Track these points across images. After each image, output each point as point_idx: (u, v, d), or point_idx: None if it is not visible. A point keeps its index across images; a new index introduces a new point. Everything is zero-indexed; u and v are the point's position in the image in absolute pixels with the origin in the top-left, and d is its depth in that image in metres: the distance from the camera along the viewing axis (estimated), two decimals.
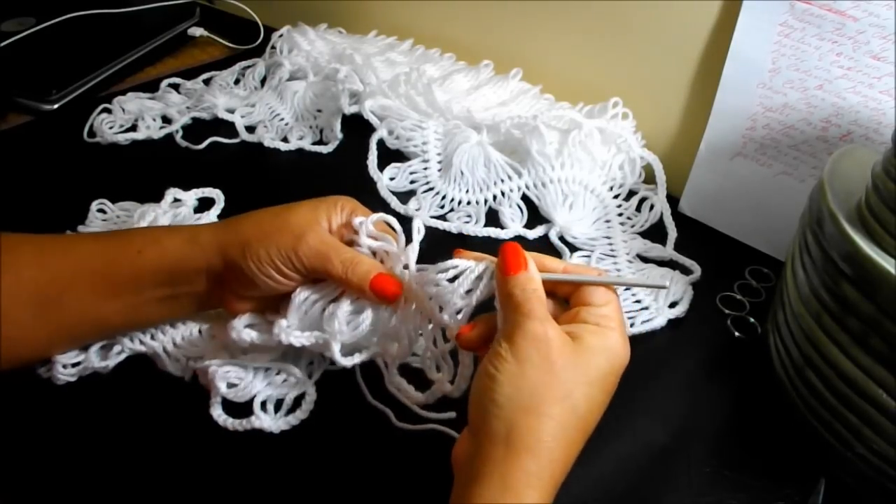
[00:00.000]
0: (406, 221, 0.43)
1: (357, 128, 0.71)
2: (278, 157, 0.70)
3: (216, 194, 0.62)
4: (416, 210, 0.63)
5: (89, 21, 0.83)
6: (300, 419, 0.44)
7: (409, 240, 0.42)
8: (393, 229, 0.44)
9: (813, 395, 0.42)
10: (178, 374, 0.46)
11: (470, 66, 0.77)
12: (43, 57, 0.78)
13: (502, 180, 0.64)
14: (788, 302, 0.45)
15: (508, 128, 0.65)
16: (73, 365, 0.45)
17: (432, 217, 0.63)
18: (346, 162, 0.69)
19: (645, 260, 0.60)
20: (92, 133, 0.70)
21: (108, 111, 0.72)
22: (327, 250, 0.41)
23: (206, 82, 0.80)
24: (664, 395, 0.48)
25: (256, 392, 0.44)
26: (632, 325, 0.52)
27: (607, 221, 0.63)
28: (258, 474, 0.41)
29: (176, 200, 0.59)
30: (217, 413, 0.43)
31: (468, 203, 0.64)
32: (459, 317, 0.39)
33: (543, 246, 0.61)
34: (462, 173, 0.65)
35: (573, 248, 0.60)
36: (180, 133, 0.72)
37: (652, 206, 0.63)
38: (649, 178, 0.65)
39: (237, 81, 0.81)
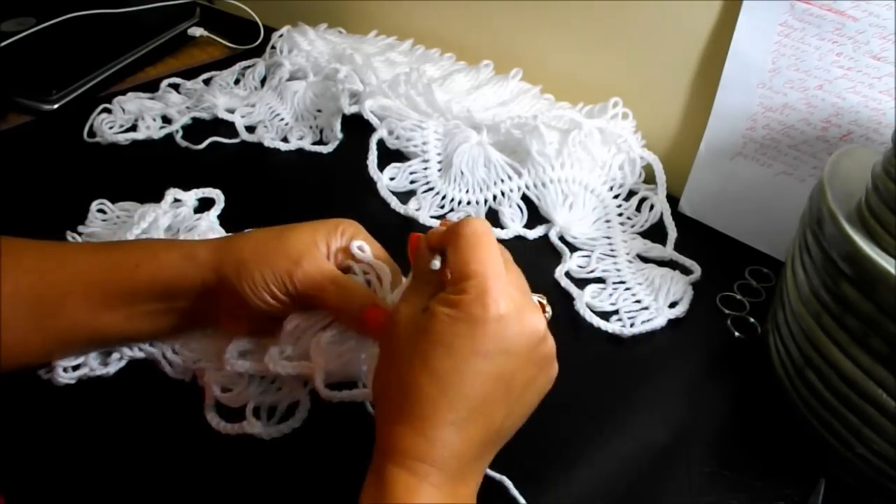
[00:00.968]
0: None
1: (357, 128, 0.71)
2: (278, 157, 0.70)
3: (216, 194, 0.61)
4: (417, 210, 0.63)
5: (89, 21, 0.83)
6: (293, 427, 0.43)
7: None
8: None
9: (813, 395, 0.42)
10: (178, 377, 0.46)
11: (470, 66, 0.77)
12: (43, 57, 0.78)
13: (502, 180, 0.64)
14: (788, 302, 0.45)
15: (508, 128, 0.65)
16: (74, 368, 0.45)
17: (432, 217, 0.63)
18: (346, 162, 0.69)
19: (645, 260, 0.59)
20: (92, 133, 0.70)
21: (108, 111, 0.72)
22: (322, 279, 0.41)
23: (206, 82, 0.80)
24: (664, 395, 0.48)
25: (250, 398, 0.44)
26: (632, 325, 0.52)
27: (607, 221, 0.63)
28: (257, 477, 0.41)
29: (176, 200, 0.59)
30: (211, 416, 0.43)
31: (468, 203, 0.64)
32: None
33: (543, 246, 0.61)
34: (462, 173, 0.65)
35: (573, 248, 0.60)
36: (180, 133, 0.72)
37: (652, 206, 0.63)
38: (649, 178, 0.65)
39: (237, 81, 0.81)
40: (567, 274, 0.57)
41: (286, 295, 0.41)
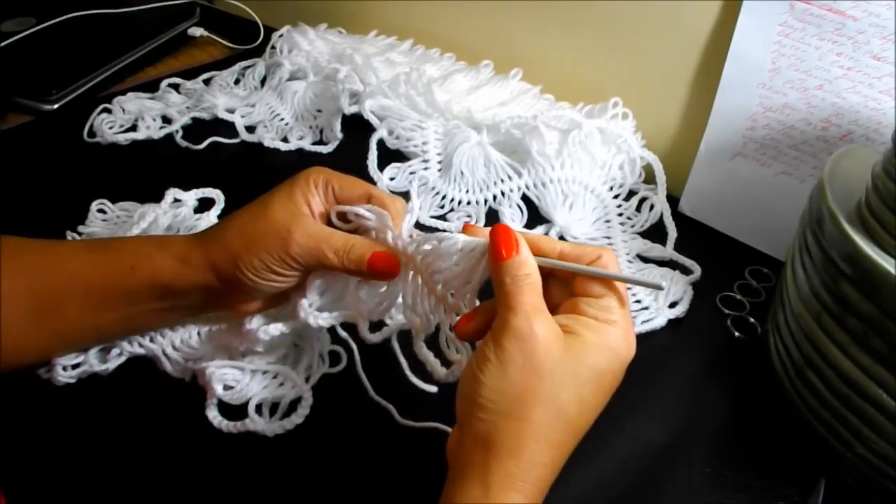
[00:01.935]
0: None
1: (357, 128, 0.71)
2: (278, 157, 0.70)
3: (216, 194, 0.62)
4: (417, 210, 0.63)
5: (89, 21, 0.83)
6: (295, 423, 0.43)
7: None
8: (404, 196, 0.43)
9: (813, 395, 0.42)
10: (177, 376, 0.46)
11: (470, 66, 0.77)
12: (43, 57, 0.78)
13: (502, 180, 0.64)
14: (788, 302, 0.45)
15: (508, 128, 0.65)
16: (73, 367, 0.45)
17: (432, 217, 0.63)
18: (346, 162, 0.69)
19: (645, 260, 0.60)
20: (92, 133, 0.70)
21: (108, 111, 0.72)
22: (317, 244, 0.40)
23: (206, 82, 0.80)
24: (664, 396, 0.48)
25: (252, 394, 0.44)
26: None
27: (607, 221, 0.63)
28: (259, 475, 0.41)
29: (176, 200, 0.59)
30: (212, 415, 0.43)
31: (468, 203, 0.64)
32: (464, 302, 0.38)
33: None
34: (462, 173, 0.65)
35: None
36: (180, 133, 0.72)
37: (652, 206, 0.63)
38: (649, 178, 0.65)
39: (237, 81, 0.81)
40: None
41: (291, 269, 0.41)
